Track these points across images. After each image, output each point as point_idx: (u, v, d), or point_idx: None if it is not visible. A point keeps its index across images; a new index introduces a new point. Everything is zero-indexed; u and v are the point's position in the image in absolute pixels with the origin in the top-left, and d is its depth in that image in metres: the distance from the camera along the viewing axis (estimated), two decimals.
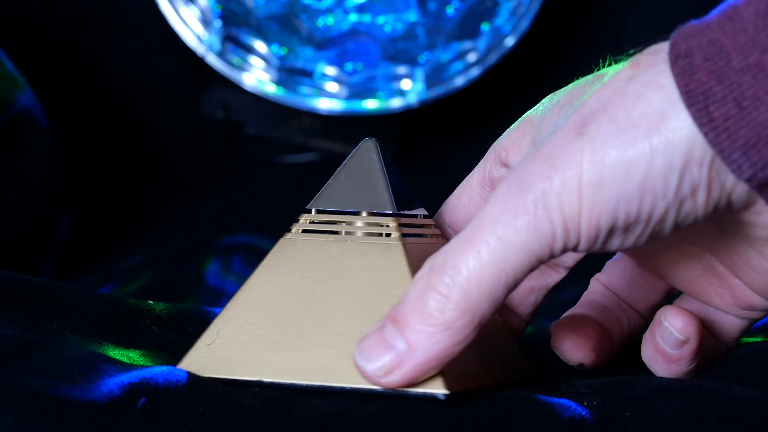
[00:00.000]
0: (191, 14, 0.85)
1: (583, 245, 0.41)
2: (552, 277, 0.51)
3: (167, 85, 0.91)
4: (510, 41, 0.86)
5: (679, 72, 0.39)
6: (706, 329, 0.48)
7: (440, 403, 0.42)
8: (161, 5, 0.84)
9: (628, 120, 0.40)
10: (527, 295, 0.51)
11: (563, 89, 0.45)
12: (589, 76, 0.44)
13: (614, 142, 0.40)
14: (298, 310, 0.45)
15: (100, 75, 0.90)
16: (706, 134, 0.39)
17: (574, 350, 0.48)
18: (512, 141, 0.47)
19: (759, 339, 0.51)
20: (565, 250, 0.41)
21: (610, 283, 0.51)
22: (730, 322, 0.49)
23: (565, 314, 0.50)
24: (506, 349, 0.47)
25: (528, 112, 0.47)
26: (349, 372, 0.43)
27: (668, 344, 0.47)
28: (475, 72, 0.86)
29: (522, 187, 0.41)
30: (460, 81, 0.86)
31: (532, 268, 0.41)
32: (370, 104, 0.85)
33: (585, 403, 0.43)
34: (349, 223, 0.46)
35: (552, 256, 0.41)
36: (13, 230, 0.73)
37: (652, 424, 0.41)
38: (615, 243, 0.41)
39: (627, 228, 0.41)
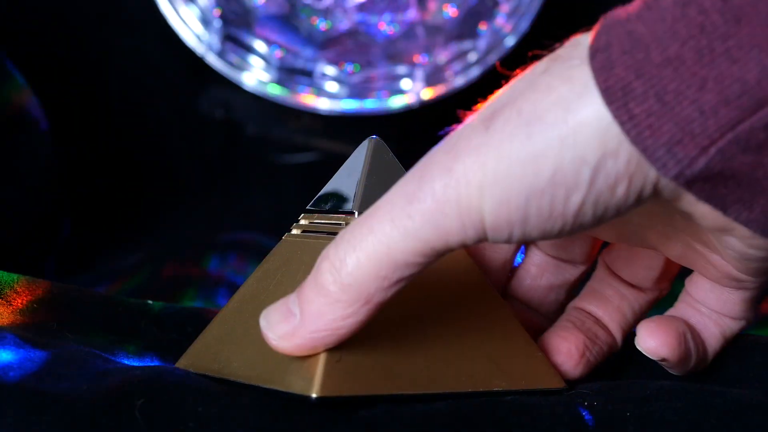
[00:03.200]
0: (191, 14, 0.84)
1: (492, 238, 0.40)
2: (570, 272, 0.50)
3: (167, 85, 0.91)
4: (510, 41, 0.86)
5: (598, 67, 0.38)
6: (695, 333, 0.47)
7: (440, 404, 0.42)
8: (161, 5, 0.84)
9: (534, 112, 0.38)
10: (547, 294, 0.50)
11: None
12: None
13: (521, 135, 0.38)
14: None
15: (99, 75, 0.90)
16: (627, 132, 0.37)
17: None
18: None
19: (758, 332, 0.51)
20: (464, 243, 0.40)
21: (611, 262, 0.50)
22: (713, 331, 0.48)
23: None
24: (526, 355, 0.46)
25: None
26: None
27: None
28: (475, 72, 0.86)
29: (422, 175, 0.40)
30: (460, 81, 0.86)
31: (427, 256, 0.40)
32: (370, 104, 0.85)
33: (586, 404, 0.43)
34: (348, 224, 0.46)
35: (449, 249, 0.40)
36: (13, 230, 0.73)
37: (652, 424, 0.41)
38: (533, 235, 0.40)
39: (542, 222, 0.39)
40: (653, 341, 0.46)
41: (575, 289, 0.51)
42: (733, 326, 0.48)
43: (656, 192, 0.39)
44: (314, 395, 0.41)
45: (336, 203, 0.47)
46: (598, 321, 0.49)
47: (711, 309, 0.47)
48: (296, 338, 0.41)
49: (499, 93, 0.40)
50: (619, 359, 0.51)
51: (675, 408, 0.42)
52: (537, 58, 0.41)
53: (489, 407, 0.42)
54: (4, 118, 0.74)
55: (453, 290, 0.45)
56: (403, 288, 0.41)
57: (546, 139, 0.38)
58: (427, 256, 0.40)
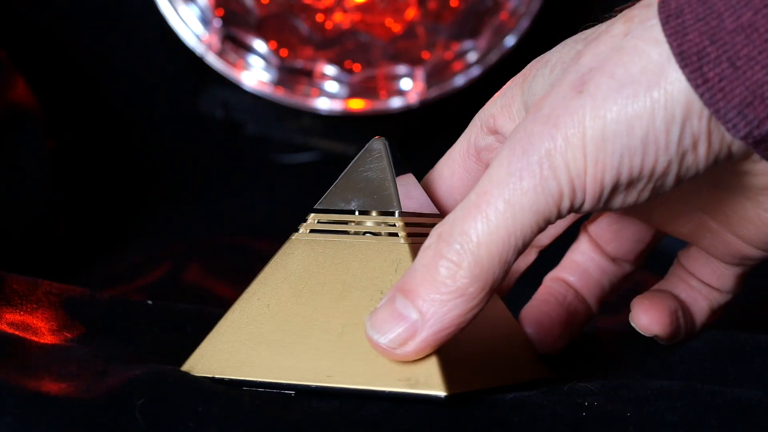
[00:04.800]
0: (190, 13, 0.84)
1: (587, 204, 0.41)
2: (523, 260, 0.52)
3: (166, 85, 0.91)
4: (510, 41, 0.86)
5: (671, 32, 0.40)
6: (685, 308, 0.49)
7: (441, 405, 0.42)
8: (160, 5, 0.84)
9: (627, 75, 0.40)
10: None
11: (552, 50, 0.45)
12: (579, 35, 0.44)
13: (615, 97, 0.40)
14: (305, 310, 0.45)
15: (99, 74, 0.90)
16: (701, 95, 0.39)
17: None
18: (500, 107, 0.47)
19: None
20: (571, 210, 0.41)
21: (599, 234, 0.52)
22: (702, 305, 0.50)
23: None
24: (517, 349, 0.47)
25: (515, 77, 0.46)
26: (353, 373, 0.43)
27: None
28: (475, 72, 0.86)
29: (526, 149, 0.41)
30: (460, 81, 0.86)
31: (540, 229, 0.41)
32: (370, 104, 0.85)
33: (586, 404, 0.43)
34: (357, 223, 0.46)
35: (559, 216, 0.41)
36: (12, 230, 0.73)
37: (653, 424, 0.41)
38: (618, 200, 0.42)
39: (630, 183, 0.41)
40: (647, 318, 0.48)
41: (523, 276, 0.53)
42: (720, 300, 0.50)
43: (729, 155, 0.41)
44: (444, 394, 0.41)
45: (346, 203, 0.46)
46: (577, 294, 0.51)
47: (703, 282, 0.50)
48: (419, 342, 0.42)
49: (579, 59, 0.41)
50: (619, 359, 0.51)
51: (675, 408, 0.42)
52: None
53: (489, 408, 0.42)
54: (3, 118, 0.74)
55: (386, 283, 0.45)
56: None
57: (641, 100, 0.40)
58: (541, 229, 0.41)
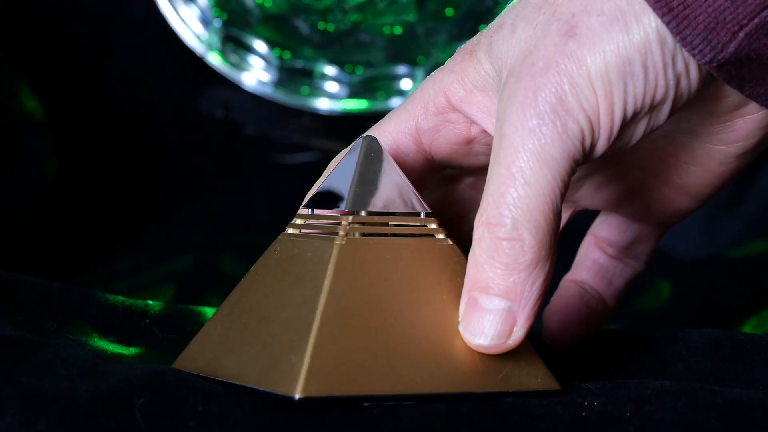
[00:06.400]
0: (191, 14, 0.84)
1: (602, 142, 0.42)
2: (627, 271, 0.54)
3: (167, 85, 0.91)
4: None
5: None
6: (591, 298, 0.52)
7: (439, 405, 0.42)
8: (160, 5, 0.84)
9: (616, 8, 0.41)
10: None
11: (501, 14, 0.45)
12: None
13: (610, 31, 0.41)
14: (291, 310, 0.44)
15: (99, 74, 0.89)
16: (667, 23, 0.40)
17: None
18: (451, 82, 0.46)
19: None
20: (591, 148, 0.42)
21: (602, 235, 0.53)
22: (621, 281, 0.53)
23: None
24: (519, 356, 0.46)
25: (460, 51, 0.46)
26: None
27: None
28: None
29: (535, 104, 0.41)
30: None
31: (573, 172, 0.42)
32: (370, 104, 0.85)
33: (586, 404, 0.43)
34: (345, 223, 0.45)
35: (584, 155, 0.42)
36: (12, 230, 0.73)
37: (653, 424, 0.41)
38: (626, 137, 0.43)
39: (635, 116, 0.42)
40: (556, 332, 0.51)
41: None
42: (634, 272, 0.53)
43: (712, 77, 0.43)
44: (297, 396, 0.41)
45: (330, 203, 0.46)
46: (594, 291, 0.53)
47: (619, 250, 0.52)
48: (521, 325, 0.42)
49: (555, 10, 0.42)
50: (619, 359, 0.51)
51: (675, 408, 0.42)
52: None
53: (489, 408, 0.42)
54: (3, 118, 0.74)
55: (444, 289, 0.45)
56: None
57: (633, 29, 0.41)
58: (573, 171, 0.42)
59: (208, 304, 0.60)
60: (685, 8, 0.40)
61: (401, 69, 0.86)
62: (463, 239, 0.48)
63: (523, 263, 0.41)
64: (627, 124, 0.42)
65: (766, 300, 0.67)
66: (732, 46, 0.40)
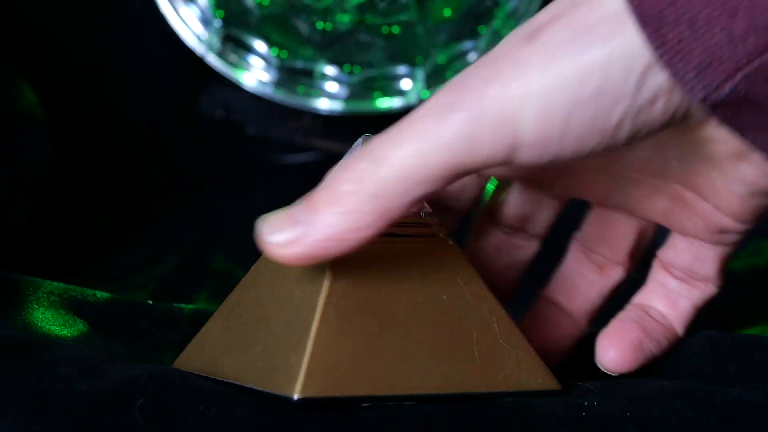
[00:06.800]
0: (191, 14, 0.84)
1: (530, 155, 0.40)
2: (524, 251, 0.52)
3: (167, 85, 0.91)
4: None
5: None
6: (652, 330, 0.49)
7: (440, 405, 0.42)
8: (161, 5, 0.84)
9: (583, 24, 0.39)
10: (503, 273, 0.52)
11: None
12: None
13: (569, 47, 0.39)
14: (291, 310, 0.44)
15: (99, 75, 0.89)
16: (660, 56, 0.38)
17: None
18: None
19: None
20: (491, 163, 0.40)
21: (585, 241, 0.52)
22: (684, 306, 0.49)
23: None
24: (520, 356, 0.46)
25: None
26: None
27: None
28: None
29: (461, 87, 0.40)
30: None
31: (452, 176, 0.40)
32: (370, 104, 0.85)
33: (586, 404, 0.43)
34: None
35: (475, 168, 0.40)
36: (12, 230, 0.73)
37: (653, 424, 0.41)
38: (566, 153, 0.40)
39: (581, 137, 0.40)
40: (611, 358, 0.48)
41: (530, 266, 0.52)
42: (705, 294, 0.49)
43: (686, 114, 0.40)
44: (296, 396, 0.41)
45: None
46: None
47: (683, 281, 0.49)
48: (300, 246, 0.41)
49: (537, 15, 0.40)
50: None
51: (675, 408, 0.42)
52: None
53: (489, 408, 0.42)
54: (3, 118, 0.74)
55: (444, 288, 0.45)
56: (412, 207, 0.41)
57: (596, 49, 0.39)
58: (452, 175, 0.40)
59: (208, 304, 0.60)
60: (679, 41, 0.38)
61: (401, 69, 0.86)
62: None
63: (348, 203, 0.40)
64: (570, 140, 0.40)
65: None
66: (727, 87, 0.39)
